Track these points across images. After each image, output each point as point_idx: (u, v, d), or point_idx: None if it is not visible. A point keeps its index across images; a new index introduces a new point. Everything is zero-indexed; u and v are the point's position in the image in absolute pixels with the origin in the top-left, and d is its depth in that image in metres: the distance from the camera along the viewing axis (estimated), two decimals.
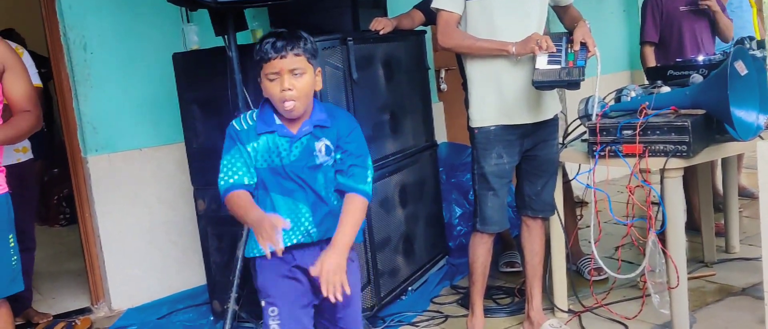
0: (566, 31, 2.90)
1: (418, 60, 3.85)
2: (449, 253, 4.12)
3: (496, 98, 2.84)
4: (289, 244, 2.11)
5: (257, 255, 2.17)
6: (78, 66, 3.72)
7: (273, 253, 2.01)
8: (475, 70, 2.87)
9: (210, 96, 3.32)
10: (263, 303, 2.20)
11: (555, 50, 2.70)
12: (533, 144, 2.92)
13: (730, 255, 3.83)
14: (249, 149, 2.12)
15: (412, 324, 3.35)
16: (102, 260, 3.89)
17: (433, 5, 2.89)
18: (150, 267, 3.96)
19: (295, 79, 2.06)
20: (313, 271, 2.04)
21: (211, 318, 3.58)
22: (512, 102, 2.82)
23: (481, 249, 3.00)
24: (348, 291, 2.05)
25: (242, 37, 3.20)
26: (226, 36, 3.03)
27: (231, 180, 2.12)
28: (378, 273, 3.39)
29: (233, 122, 2.18)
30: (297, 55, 2.07)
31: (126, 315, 3.77)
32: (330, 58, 3.14)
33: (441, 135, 4.67)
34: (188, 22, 3.52)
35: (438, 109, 4.80)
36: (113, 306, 3.90)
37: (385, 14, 3.71)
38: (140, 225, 3.93)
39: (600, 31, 5.72)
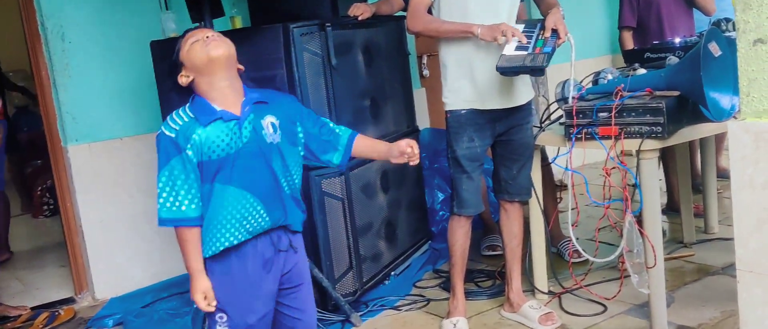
0: (541, 18, 2.91)
1: (398, 45, 3.85)
2: (432, 238, 4.15)
3: (468, 83, 2.87)
4: (238, 242, 2.08)
5: (206, 256, 2.10)
6: (56, 56, 3.71)
7: (220, 254, 2.07)
8: (448, 55, 2.90)
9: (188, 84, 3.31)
10: (213, 309, 2.14)
11: (523, 40, 2.72)
12: (506, 128, 2.94)
13: (709, 235, 3.88)
14: (189, 152, 2.02)
15: (395, 308, 3.37)
16: (84, 250, 3.89)
17: None
18: (133, 256, 3.96)
19: (214, 33, 2.12)
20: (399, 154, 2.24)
21: (195, 306, 3.57)
22: (484, 87, 2.85)
23: (459, 233, 3.03)
24: None
25: (220, 24, 3.20)
26: (203, 22, 3.02)
27: (174, 209, 2.03)
28: (360, 259, 3.41)
29: (162, 127, 2.07)
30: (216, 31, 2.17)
31: (109, 305, 3.78)
32: (308, 45, 3.14)
33: (424, 121, 4.69)
34: (166, 9, 3.51)
35: (420, 95, 4.82)
36: (97, 295, 3.90)
37: (363, 0, 3.71)
38: (122, 214, 3.93)
39: (581, 15, 5.78)
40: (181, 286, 3.87)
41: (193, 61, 2.07)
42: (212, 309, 2.10)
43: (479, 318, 3.15)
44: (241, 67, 2.16)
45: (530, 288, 3.22)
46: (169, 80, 3.36)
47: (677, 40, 3.44)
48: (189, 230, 2.06)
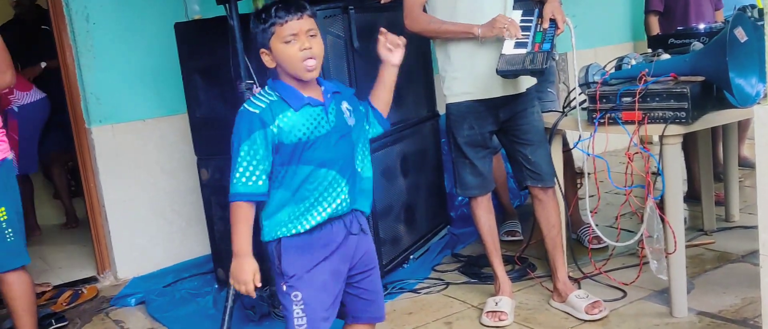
0: (538, 2, 2.88)
1: (418, 35, 3.84)
2: (451, 223, 4.16)
3: (468, 75, 2.88)
4: (323, 221, 2.08)
5: (281, 236, 2.09)
6: (80, 37, 3.74)
7: (301, 234, 2.07)
8: (448, 48, 2.91)
9: (212, 66, 3.34)
10: (285, 287, 2.11)
11: (521, 36, 2.71)
12: (510, 115, 2.95)
13: (730, 223, 3.86)
14: (274, 129, 2.01)
15: (414, 291, 3.39)
16: (107, 230, 3.93)
17: None
18: (155, 237, 4.01)
19: (312, 40, 2.04)
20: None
21: (216, 286, 3.62)
22: (485, 78, 2.85)
23: (479, 212, 3.05)
24: None
25: (244, 6, 3.21)
26: (227, 5, 3.03)
27: (250, 184, 2.01)
28: (380, 242, 3.42)
29: (245, 105, 2.06)
30: (310, 16, 2.06)
31: (131, 284, 3.83)
32: (331, 27, 3.14)
33: (443, 106, 4.68)
34: None
35: (440, 80, 4.80)
36: (119, 275, 3.95)
37: None
38: (145, 195, 3.97)
39: (603, 1, 5.73)
40: (201, 267, 3.92)
41: (284, 63, 2.05)
42: (253, 293, 2.07)
43: (522, 308, 3.12)
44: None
45: (549, 274, 3.22)
46: (192, 63, 3.41)
47: (702, 26, 3.41)
48: (251, 207, 2.04)
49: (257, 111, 2.03)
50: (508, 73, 2.72)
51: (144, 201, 3.97)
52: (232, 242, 2.05)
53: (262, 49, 2.08)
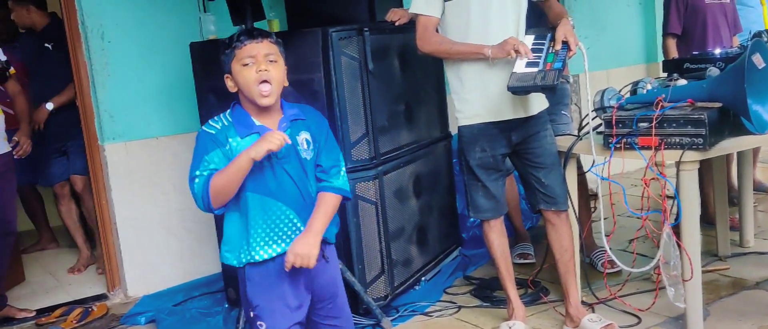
0: (551, 28, 2.89)
1: (429, 56, 3.84)
2: (462, 244, 4.14)
3: (480, 97, 2.88)
4: (275, 254, 2.12)
5: (237, 264, 2.15)
6: (96, 54, 3.76)
7: (260, 263, 2.11)
8: (460, 70, 2.90)
9: (226, 86, 3.34)
10: (251, 314, 2.19)
11: (532, 56, 2.71)
12: (522, 138, 2.94)
13: (744, 249, 3.83)
14: (226, 149, 2.07)
15: (426, 314, 3.37)
16: (118, 247, 3.93)
17: (411, 10, 2.94)
18: (166, 255, 4.00)
19: (269, 64, 2.08)
20: (287, 256, 2.08)
21: (226, 306, 3.61)
22: (496, 100, 2.85)
23: (492, 236, 3.04)
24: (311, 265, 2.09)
25: (259, 27, 3.21)
26: (243, 25, 3.04)
27: (206, 174, 2.05)
28: (392, 263, 3.41)
29: (203, 127, 2.14)
30: (271, 42, 2.11)
31: (142, 302, 3.81)
32: (346, 49, 3.15)
33: (455, 127, 4.67)
34: (205, 11, 3.55)
35: (451, 102, 4.80)
36: (129, 292, 3.94)
37: (401, 5, 3.71)
38: (156, 213, 3.97)
39: (616, 23, 5.75)
40: (212, 285, 3.91)
41: (241, 86, 2.11)
42: (288, 140, 2.06)
43: None
44: (287, 83, 2.18)
45: (562, 298, 3.20)
46: (206, 82, 3.42)
47: (717, 51, 3.40)
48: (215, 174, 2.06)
49: (213, 132, 2.10)
50: (519, 90, 2.71)
51: (156, 219, 3.97)
52: (239, 164, 2.03)
53: (226, 74, 2.14)
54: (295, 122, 2.16)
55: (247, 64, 2.08)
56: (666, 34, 4.22)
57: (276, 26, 3.68)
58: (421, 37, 2.92)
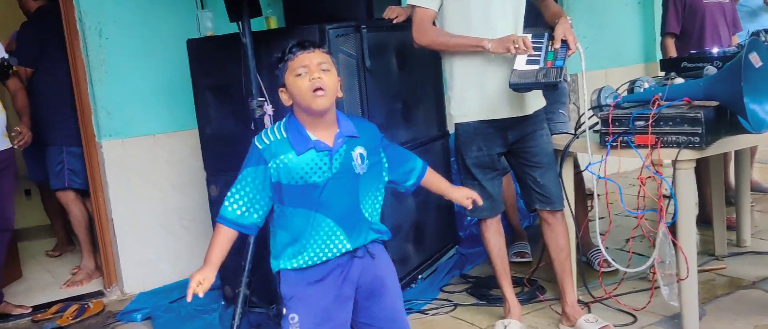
0: (548, 27, 2.88)
1: (426, 49, 3.84)
2: (459, 242, 4.14)
3: (476, 94, 2.86)
4: (319, 262, 2.11)
5: (286, 268, 2.15)
6: (93, 51, 3.75)
7: (299, 269, 2.12)
8: (456, 66, 2.89)
9: (223, 83, 3.34)
10: (284, 310, 2.15)
11: (533, 52, 2.70)
12: (519, 137, 2.93)
13: (741, 248, 3.83)
14: (272, 166, 2.07)
15: (422, 312, 3.36)
16: (115, 244, 3.93)
17: (409, 2, 2.91)
18: (162, 252, 4.00)
19: (323, 73, 2.06)
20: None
21: (223, 303, 3.60)
22: (493, 98, 2.84)
23: (488, 234, 3.03)
24: None
25: (256, 24, 3.21)
26: (240, 22, 3.04)
27: (236, 212, 2.08)
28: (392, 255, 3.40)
29: (256, 138, 2.12)
30: (324, 52, 2.11)
31: (138, 299, 3.81)
32: (344, 46, 3.15)
33: (452, 125, 4.67)
34: (203, 8, 3.55)
35: (447, 100, 4.80)
36: (125, 289, 3.94)
37: (399, 3, 3.71)
38: (153, 210, 3.96)
39: (614, 23, 5.74)
40: None
41: (295, 96, 2.09)
42: (200, 293, 2.08)
43: None
44: (341, 94, 2.16)
45: (558, 296, 3.20)
46: (203, 79, 3.42)
47: (715, 50, 3.40)
48: (230, 231, 2.10)
49: (261, 147, 2.09)
50: (521, 86, 2.70)
51: (152, 216, 3.97)
52: (207, 255, 2.11)
53: (281, 88, 2.13)
54: (351, 138, 2.14)
55: (300, 75, 2.06)
56: (665, 33, 4.22)
57: (273, 23, 3.69)
58: (418, 30, 2.90)
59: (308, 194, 2.08)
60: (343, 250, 2.12)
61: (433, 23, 2.92)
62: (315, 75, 2.05)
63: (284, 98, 2.12)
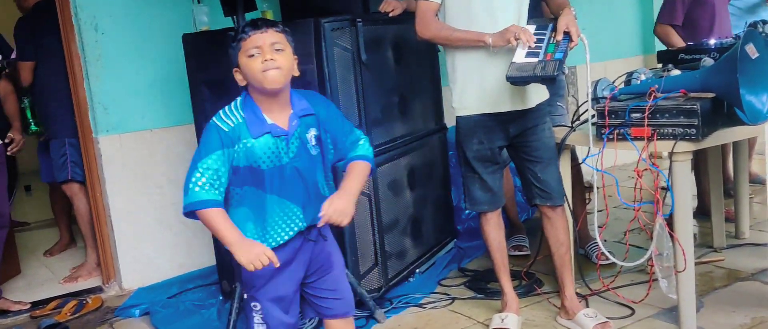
0: (553, 18, 2.85)
1: (427, 43, 3.83)
2: (457, 236, 4.13)
3: (477, 87, 2.85)
4: (276, 245, 2.14)
5: None
6: (89, 46, 3.74)
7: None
8: (458, 59, 2.87)
9: (219, 77, 3.32)
10: (245, 296, 2.24)
11: (533, 44, 2.67)
12: (520, 131, 2.91)
13: (740, 240, 3.82)
14: (237, 148, 2.07)
15: (420, 306, 3.36)
16: (113, 240, 3.93)
17: None
18: (160, 247, 4.00)
19: (276, 53, 2.07)
20: (323, 211, 2.10)
21: (220, 298, 3.61)
22: (494, 91, 2.82)
23: (487, 228, 3.02)
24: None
25: (252, 18, 3.20)
26: (235, 17, 3.03)
27: (203, 193, 2.03)
28: (386, 255, 3.40)
29: (215, 119, 2.10)
30: (277, 31, 2.10)
31: (136, 295, 3.81)
32: (339, 40, 3.13)
33: (451, 119, 4.66)
34: (198, 2, 3.53)
35: (448, 92, 4.79)
36: (124, 285, 3.94)
37: None
38: (150, 205, 3.96)
39: (612, 15, 5.72)
40: (206, 278, 3.90)
41: (248, 76, 2.10)
42: (275, 259, 2.06)
43: (529, 324, 3.09)
44: (297, 72, 2.16)
45: (556, 290, 3.19)
46: (199, 74, 3.41)
47: (712, 41, 3.39)
48: (218, 210, 2.07)
49: (226, 129, 2.07)
50: (518, 79, 2.67)
51: (150, 211, 3.96)
52: (222, 239, 2.06)
53: (234, 68, 2.13)
54: (305, 117, 2.15)
55: (252, 55, 2.06)
56: (666, 22, 4.13)
57: (269, 17, 3.67)
58: (421, 23, 2.88)
59: (266, 177, 2.10)
60: (300, 226, 2.16)
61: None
62: (268, 56, 2.05)
63: (238, 78, 2.12)
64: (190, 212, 2.07)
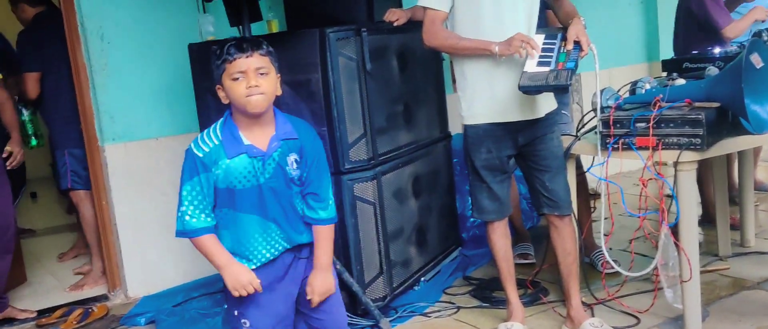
0: (562, 27, 2.85)
1: (433, 51, 3.84)
2: (462, 244, 4.13)
3: (487, 96, 2.84)
4: (260, 264, 2.17)
5: None
6: (95, 55, 3.76)
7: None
8: (466, 68, 2.87)
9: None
10: (235, 313, 2.23)
11: (539, 54, 2.67)
12: (529, 140, 2.90)
13: (745, 248, 3.81)
14: (216, 171, 2.10)
15: (425, 315, 3.36)
16: (118, 248, 3.94)
17: (419, 3, 2.88)
18: (166, 255, 4.00)
19: (260, 78, 2.08)
20: (309, 294, 2.23)
21: (225, 307, 3.60)
22: (504, 100, 2.81)
23: (494, 237, 3.02)
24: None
25: (257, 28, 3.22)
26: (241, 26, 3.04)
27: (193, 221, 2.11)
28: (390, 264, 3.40)
29: (192, 145, 2.14)
30: (262, 55, 2.09)
31: (142, 303, 3.82)
32: (344, 49, 3.14)
33: (455, 126, 4.67)
34: (204, 12, 3.54)
35: (452, 100, 4.79)
36: (129, 293, 3.95)
37: (399, 5, 3.71)
38: (156, 213, 3.97)
39: (616, 22, 5.72)
40: (211, 286, 3.91)
41: (231, 98, 2.11)
42: (259, 287, 2.13)
43: None
44: (280, 92, 2.18)
45: (561, 298, 3.19)
46: (205, 83, 3.42)
47: (716, 50, 3.39)
48: (210, 237, 2.14)
49: (201, 155, 2.10)
50: (531, 89, 2.66)
51: (156, 219, 3.97)
52: (213, 263, 2.15)
53: (217, 85, 2.14)
54: (287, 141, 2.16)
55: (236, 79, 2.07)
56: (722, 28, 4.06)
57: (275, 27, 3.69)
58: (428, 31, 2.87)
59: (243, 198, 2.12)
60: (284, 247, 2.19)
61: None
62: (252, 82, 2.06)
63: (221, 95, 2.14)
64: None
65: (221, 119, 2.17)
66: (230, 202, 2.13)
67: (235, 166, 2.10)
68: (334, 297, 2.33)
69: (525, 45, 2.65)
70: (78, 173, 4.12)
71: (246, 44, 2.09)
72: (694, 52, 3.74)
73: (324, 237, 2.25)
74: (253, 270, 2.17)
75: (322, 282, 2.24)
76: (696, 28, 4.13)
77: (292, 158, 2.17)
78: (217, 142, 2.12)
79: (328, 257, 2.26)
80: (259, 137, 2.13)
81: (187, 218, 2.11)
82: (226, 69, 2.08)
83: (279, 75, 2.17)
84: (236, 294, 2.12)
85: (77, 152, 4.07)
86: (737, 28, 4.06)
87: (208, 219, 2.12)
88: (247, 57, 2.07)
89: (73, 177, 4.15)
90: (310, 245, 2.26)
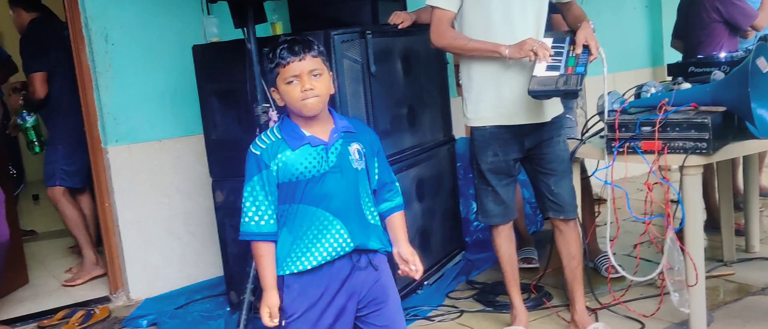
0: (570, 30, 2.84)
1: (437, 54, 3.83)
2: (466, 248, 4.12)
3: (493, 98, 2.82)
4: (323, 262, 2.10)
5: (284, 273, 2.13)
6: (99, 57, 3.76)
7: (302, 273, 2.11)
8: (473, 70, 2.85)
9: (229, 88, 3.34)
10: (283, 323, 2.15)
11: (550, 60, 2.64)
12: (535, 143, 2.88)
13: (750, 254, 3.79)
14: (273, 167, 2.07)
15: (428, 319, 3.35)
16: (121, 250, 3.93)
17: (428, 2, 2.85)
18: (168, 258, 4.00)
19: (314, 80, 2.06)
20: (405, 264, 2.20)
21: (228, 309, 3.60)
22: (510, 103, 2.79)
23: (498, 241, 3.01)
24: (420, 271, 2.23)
25: (261, 30, 3.21)
26: (245, 28, 3.04)
27: (255, 224, 2.10)
28: (394, 267, 3.38)
29: (251, 146, 2.12)
30: (314, 57, 2.08)
31: (144, 305, 3.81)
32: (348, 52, 3.14)
33: (459, 130, 4.67)
34: (208, 13, 3.54)
35: (456, 104, 4.78)
36: (131, 295, 3.94)
37: (404, 8, 3.70)
38: (159, 216, 3.97)
39: (621, 26, 5.71)
40: (214, 289, 3.90)
41: (287, 101, 2.10)
42: (275, 325, 2.12)
43: None
44: (333, 90, 2.16)
45: (566, 303, 3.18)
46: (209, 85, 3.42)
47: (722, 54, 3.38)
48: (266, 245, 2.11)
49: (259, 153, 2.10)
50: (540, 94, 2.64)
51: (158, 222, 3.97)
52: (260, 277, 2.15)
53: (272, 88, 2.14)
54: (347, 133, 2.15)
55: (291, 82, 2.06)
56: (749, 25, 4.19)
57: (279, 29, 3.69)
58: (436, 31, 2.84)
59: (306, 190, 2.08)
60: (346, 247, 2.10)
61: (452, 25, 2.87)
62: (307, 85, 2.05)
63: (277, 97, 2.13)
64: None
65: (277, 122, 2.16)
66: (291, 195, 2.09)
67: (297, 157, 2.07)
68: (390, 310, 2.23)
69: (538, 49, 2.63)
70: (67, 171, 4.15)
71: (298, 47, 2.06)
72: (724, 51, 3.78)
73: (401, 224, 2.26)
74: (309, 271, 2.10)
75: (408, 249, 2.22)
76: (722, 27, 4.14)
77: (355, 147, 2.14)
78: (276, 138, 2.10)
79: (406, 238, 2.25)
80: (318, 132, 2.11)
81: (246, 219, 2.10)
82: (279, 73, 2.07)
83: (331, 73, 2.15)
84: (266, 320, 2.11)
85: (67, 149, 4.11)
86: (766, 19, 4.14)
87: (271, 222, 2.10)
88: (300, 60, 2.05)
89: (61, 175, 4.21)
90: (374, 254, 2.17)
